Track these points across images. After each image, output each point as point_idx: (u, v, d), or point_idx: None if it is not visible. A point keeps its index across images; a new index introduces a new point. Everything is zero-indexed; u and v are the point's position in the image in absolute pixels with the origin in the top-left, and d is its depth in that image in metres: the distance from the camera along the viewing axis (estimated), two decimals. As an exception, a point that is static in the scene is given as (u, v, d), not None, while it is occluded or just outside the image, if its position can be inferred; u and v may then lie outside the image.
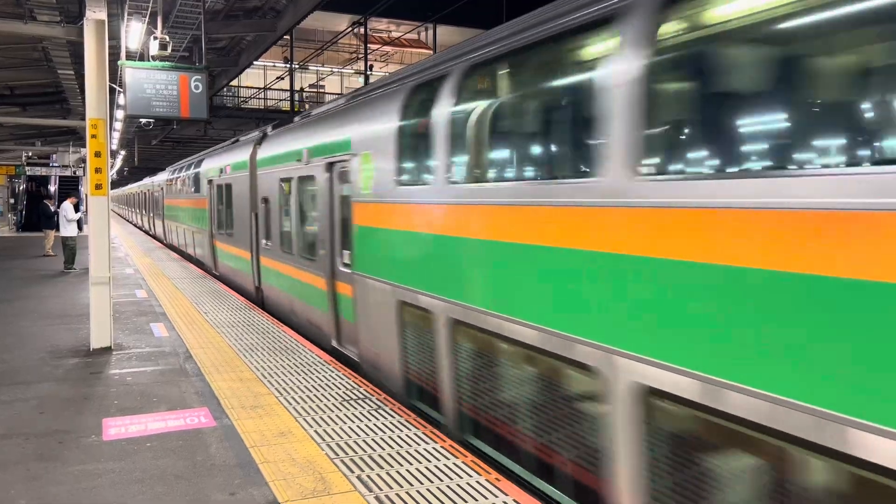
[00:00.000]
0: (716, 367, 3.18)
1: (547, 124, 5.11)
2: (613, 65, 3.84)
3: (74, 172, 36.39)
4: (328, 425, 5.62)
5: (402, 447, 5.15)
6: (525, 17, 5.07)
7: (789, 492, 3.05)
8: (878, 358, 2.52)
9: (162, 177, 27.35)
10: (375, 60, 39.44)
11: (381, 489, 4.41)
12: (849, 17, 2.91)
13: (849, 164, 2.90)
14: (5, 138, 35.21)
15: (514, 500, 4.24)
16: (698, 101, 3.81)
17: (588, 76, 4.30)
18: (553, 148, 5.10)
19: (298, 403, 6.19)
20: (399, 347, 6.67)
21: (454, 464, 4.82)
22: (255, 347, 8.46)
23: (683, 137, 3.88)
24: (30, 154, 37.12)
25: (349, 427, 5.58)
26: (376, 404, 6.18)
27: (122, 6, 12.02)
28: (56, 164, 37.85)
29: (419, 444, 5.20)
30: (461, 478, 4.59)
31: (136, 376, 7.17)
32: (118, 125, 23.53)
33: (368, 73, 31.46)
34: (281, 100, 37.52)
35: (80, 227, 18.24)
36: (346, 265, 7.87)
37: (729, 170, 3.46)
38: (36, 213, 26.33)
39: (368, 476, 4.62)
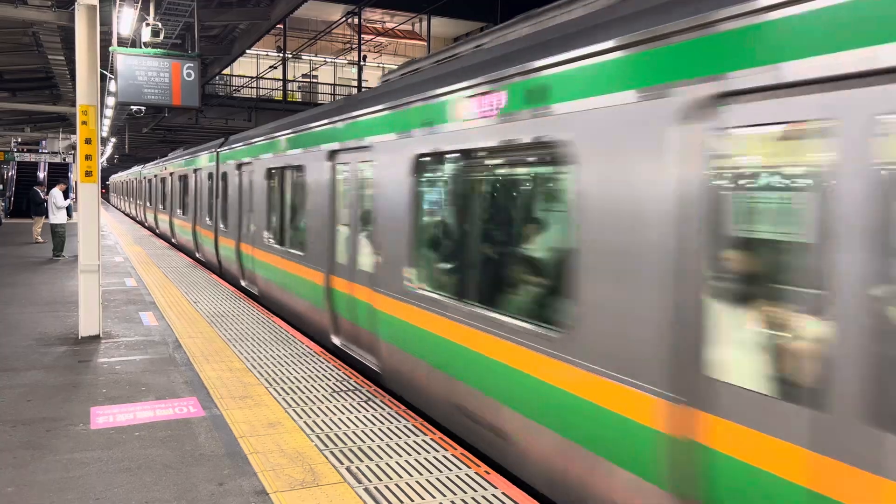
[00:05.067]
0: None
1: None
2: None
3: (64, 159, 36.15)
4: (318, 416, 5.61)
5: (391, 439, 5.15)
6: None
7: None
8: None
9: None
10: (369, 51, 39.30)
11: (370, 481, 4.41)
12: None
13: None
14: (-6, 123, 34.93)
15: (504, 493, 4.25)
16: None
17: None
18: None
19: (288, 394, 6.18)
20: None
21: (444, 456, 4.83)
22: (244, 337, 8.43)
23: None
24: (19, 140, 36.83)
25: (339, 418, 5.58)
26: (366, 396, 6.18)
27: (114, -9, 11.90)
28: (46, 151, 37.58)
29: (409, 437, 5.21)
30: (450, 470, 4.59)
31: (125, 365, 7.14)
32: (109, 112, 23.36)
33: (362, 63, 31.32)
34: (273, 89, 37.33)
35: (69, 214, 18.11)
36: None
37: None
38: (25, 199, 26.14)
39: (358, 468, 4.61)
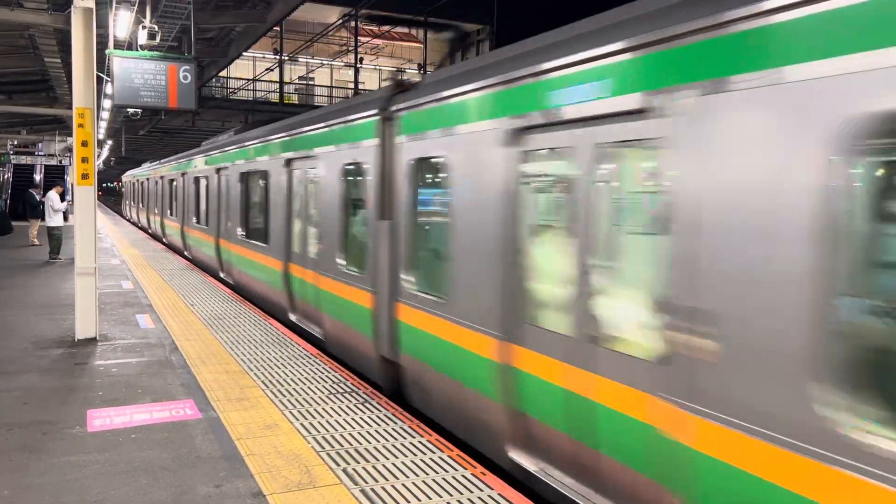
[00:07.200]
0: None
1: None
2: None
3: (60, 161, 36.10)
4: (314, 418, 5.62)
5: (388, 441, 5.16)
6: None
7: None
8: None
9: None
10: (366, 53, 39.30)
11: (366, 482, 4.42)
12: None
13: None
14: (-10, 126, 34.84)
15: (500, 494, 4.26)
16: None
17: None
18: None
19: (285, 396, 6.19)
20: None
21: (440, 458, 4.84)
22: (241, 339, 8.44)
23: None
24: (15, 142, 36.78)
25: (335, 420, 5.59)
26: (363, 398, 6.19)
27: (110, -6, 11.90)
28: (42, 153, 37.54)
29: (405, 438, 5.22)
30: (447, 472, 4.61)
31: (122, 367, 7.14)
32: (105, 115, 23.34)
33: (359, 66, 31.34)
34: (270, 91, 37.31)
35: (65, 217, 18.09)
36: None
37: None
38: (21, 202, 26.08)
39: (354, 469, 4.63)
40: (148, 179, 28.04)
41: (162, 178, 23.74)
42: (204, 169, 16.39)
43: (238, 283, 12.74)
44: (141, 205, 32.46)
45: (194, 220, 17.54)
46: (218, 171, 14.63)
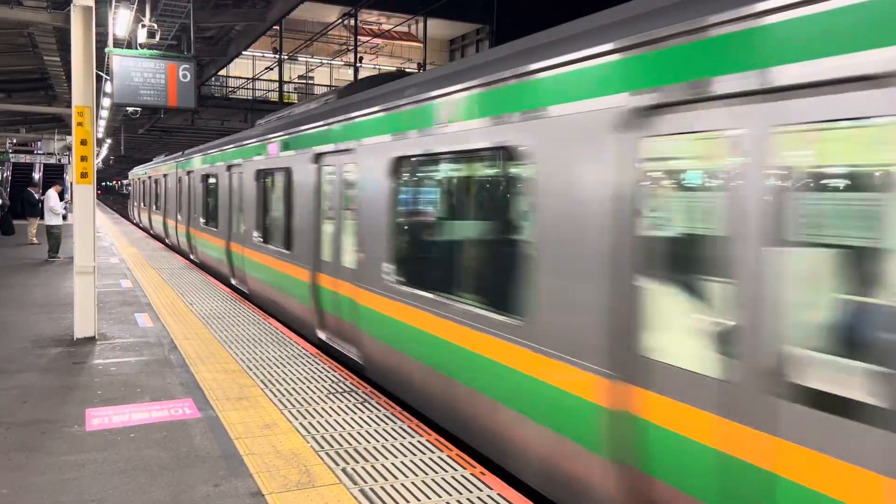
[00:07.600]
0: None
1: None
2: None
3: (59, 160, 36.09)
4: (313, 418, 5.62)
5: (387, 440, 5.15)
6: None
7: None
8: None
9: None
10: (365, 53, 39.30)
11: (365, 482, 4.42)
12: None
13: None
14: (-11, 124, 34.80)
15: (499, 494, 4.26)
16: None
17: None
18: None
19: (284, 395, 6.18)
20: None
21: (439, 457, 4.83)
22: (240, 338, 8.43)
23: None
24: (14, 141, 36.75)
25: (335, 420, 5.58)
26: (362, 397, 6.18)
27: (109, -7, 11.89)
28: (41, 152, 37.52)
29: (405, 438, 5.21)
30: (446, 471, 4.60)
31: (120, 366, 7.13)
32: (104, 113, 23.32)
33: (358, 65, 31.33)
34: (269, 90, 37.30)
35: (64, 217, 18.07)
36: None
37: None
38: (20, 200, 26.03)
39: (353, 469, 4.62)
40: (165, 176, 22.18)
41: (189, 173, 17.87)
42: (273, 160, 10.51)
43: (382, 366, 6.75)
44: (155, 207, 25.48)
45: (256, 236, 11.45)
46: (318, 157, 8.58)
